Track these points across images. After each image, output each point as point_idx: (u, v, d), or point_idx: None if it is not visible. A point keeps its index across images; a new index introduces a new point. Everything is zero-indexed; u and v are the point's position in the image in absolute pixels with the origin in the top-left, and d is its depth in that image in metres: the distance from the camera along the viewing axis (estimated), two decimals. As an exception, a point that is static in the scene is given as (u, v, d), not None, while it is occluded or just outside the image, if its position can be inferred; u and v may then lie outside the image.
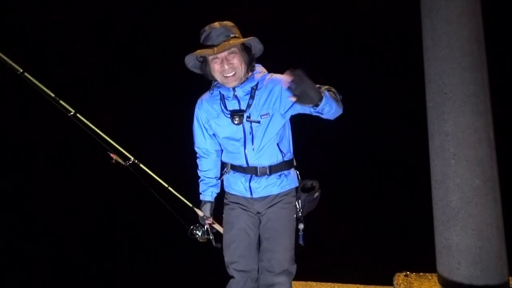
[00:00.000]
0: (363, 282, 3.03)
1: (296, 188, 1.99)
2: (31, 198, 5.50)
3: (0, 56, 1.61)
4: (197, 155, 2.11)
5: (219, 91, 1.88)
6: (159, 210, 2.17)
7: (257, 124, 1.83)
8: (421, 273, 2.88)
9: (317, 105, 1.57)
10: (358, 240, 4.42)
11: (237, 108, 1.84)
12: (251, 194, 1.92)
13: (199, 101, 1.98)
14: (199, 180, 2.12)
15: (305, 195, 1.96)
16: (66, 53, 6.53)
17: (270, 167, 1.89)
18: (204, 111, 1.94)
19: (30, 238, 4.81)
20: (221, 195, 2.10)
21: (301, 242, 1.94)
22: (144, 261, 4.45)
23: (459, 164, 2.39)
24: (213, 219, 2.13)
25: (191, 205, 2.14)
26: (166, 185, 2.15)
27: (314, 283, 3.05)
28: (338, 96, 1.73)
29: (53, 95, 1.71)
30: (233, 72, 1.75)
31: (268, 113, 1.83)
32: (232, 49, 1.73)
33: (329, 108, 1.63)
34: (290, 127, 1.96)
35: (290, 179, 1.95)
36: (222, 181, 2.09)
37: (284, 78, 1.49)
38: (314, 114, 1.78)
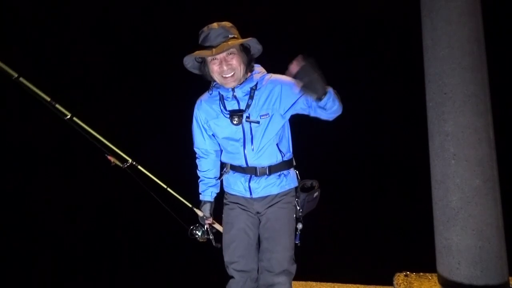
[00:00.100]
0: (363, 282, 3.03)
1: (296, 188, 1.99)
2: (31, 198, 5.51)
3: None
4: (197, 156, 2.11)
5: (218, 92, 1.88)
6: (159, 211, 2.17)
7: (257, 125, 1.83)
8: (421, 273, 2.88)
9: (320, 99, 1.56)
10: (358, 240, 4.42)
11: (237, 108, 1.84)
12: (251, 194, 1.92)
13: (198, 101, 1.98)
14: (199, 181, 2.12)
15: (305, 195, 1.96)
16: (66, 53, 6.53)
17: (270, 167, 1.89)
18: (203, 112, 1.94)
19: (30, 238, 4.81)
20: (221, 195, 2.10)
21: (297, 241, 1.94)
22: (144, 261, 4.45)
23: (459, 164, 2.39)
24: (213, 219, 2.13)
25: (190, 205, 2.14)
26: (165, 186, 2.14)
27: (314, 283, 3.05)
28: (339, 96, 1.73)
29: (48, 99, 1.70)
30: (232, 73, 1.75)
31: (268, 114, 1.83)
32: (231, 49, 1.73)
33: (332, 103, 1.62)
34: (289, 127, 1.96)
35: (290, 179, 1.95)
36: (221, 181, 2.09)
37: (293, 63, 1.47)
38: (313, 114, 1.77)
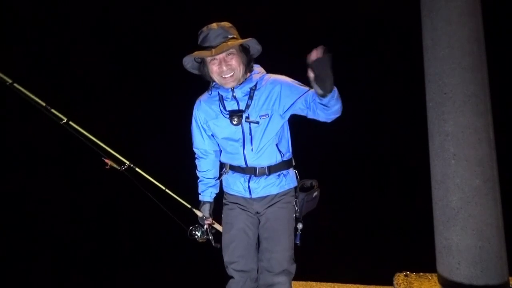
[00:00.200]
0: (363, 282, 3.02)
1: (295, 187, 1.99)
2: (31, 198, 5.51)
3: None
4: (196, 156, 2.11)
5: (218, 92, 1.88)
6: (158, 211, 2.17)
7: (256, 125, 1.83)
8: (421, 273, 2.88)
9: (324, 96, 1.55)
10: (358, 240, 4.42)
11: (236, 108, 1.84)
12: (250, 194, 1.92)
13: (197, 101, 1.98)
14: (198, 181, 2.12)
15: (304, 195, 1.96)
16: (66, 53, 6.53)
17: (269, 167, 1.89)
18: (202, 112, 1.94)
19: (30, 238, 4.81)
20: (220, 195, 2.10)
21: (297, 241, 1.94)
22: (144, 261, 4.45)
23: (459, 164, 2.39)
24: (213, 219, 2.13)
25: (189, 206, 2.13)
26: (164, 188, 2.14)
27: (314, 283, 3.05)
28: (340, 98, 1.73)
29: (44, 104, 1.70)
30: (232, 73, 1.75)
31: (267, 114, 1.82)
32: (230, 50, 1.72)
33: (335, 102, 1.61)
34: (288, 127, 1.96)
35: (289, 179, 1.95)
36: (221, 182, 2.09)
37: (314, 51, 1.45)
38: (310, 116, 1.76)
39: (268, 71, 1.92)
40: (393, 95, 5.51)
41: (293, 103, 1.79)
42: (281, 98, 1.81)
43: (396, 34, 5.71)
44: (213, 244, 2.14)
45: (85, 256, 4.58)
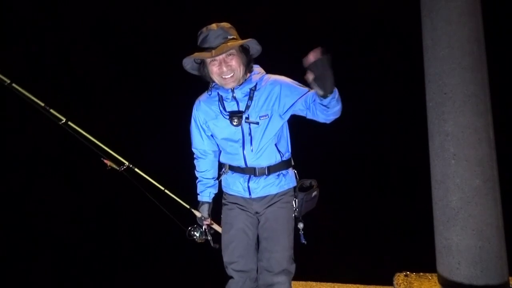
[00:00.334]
0: (363, 282, 3.02)
1: (294, 187, 1.99)
2: (31, 198, 5.51)
3: None
4: (195, 156, 2.10)
5: (218, 92, 1.87)
6: (158, 211, 2.17)
7: (256, 125, 1.83)
8: (421, 273, 2.88)
9: (326, 96, 1.54)
10: (358, 240, 4.42)
11: (236, 109, 1.84)
12: (250, 194, 1.92)
13: (196, 102, 1.98)
14: (197, 181, 2.11)
15: (303, 194, 1.96)
16: (66, 53, 6.53)
17: (269, 167, 1.89)
18: (202, 112, 1.94)
19: (30, 239, 4.81)
20: (219, 195, 2.10)
21: (303, 241, 1.94)
22: (144, 261, 4.45)
23: (459, 164, 2.39)
24: (211, 219, 2.13)
25: (188, 206, 2.13)
26: (163, 188, 2.14)
27: (314, 283, 3.05)
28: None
29: (43, 105, 1.70)
30: (232, 74, 1.75)
31: (267, 115, 1.82)
32: (230, 51, 1.72)
33: (335, 103, 1.61)
34: (288, 127, 1.96)
35: (289, 179, 1.95)
36: (220, 182, 2.09)
37: (311, 53, 1.44)
38: (309, 116, 1.76)
39: (268, 71, 1.92)
40: (393, 95, 5.51)
41: (293, 103, 1.79)
42: (281, 99, 1.81)
43: (396, 34, 5.71)
44: (212, 244, 2.14)
45: (85, 256, 4.58)
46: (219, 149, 2.03)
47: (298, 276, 1.99)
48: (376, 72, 5.85)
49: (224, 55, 1.72)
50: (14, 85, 1.62)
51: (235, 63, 1.74)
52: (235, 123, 1.82)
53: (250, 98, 1.82)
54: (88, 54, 6.58)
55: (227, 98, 1.85)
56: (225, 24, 1.78)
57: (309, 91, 1.75)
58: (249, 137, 1.84)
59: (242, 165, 1.90)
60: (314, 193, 2.02)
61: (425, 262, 2.77)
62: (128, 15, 6.63)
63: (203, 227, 2.13)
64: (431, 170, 2.58)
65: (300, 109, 1.79)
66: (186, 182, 2.21)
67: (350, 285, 3.02)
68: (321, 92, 1.52)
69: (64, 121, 1.80)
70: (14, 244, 4.72)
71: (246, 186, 1.91)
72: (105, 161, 1.98)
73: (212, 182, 2.08)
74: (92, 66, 6.51)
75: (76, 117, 1.84)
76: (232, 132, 1.86)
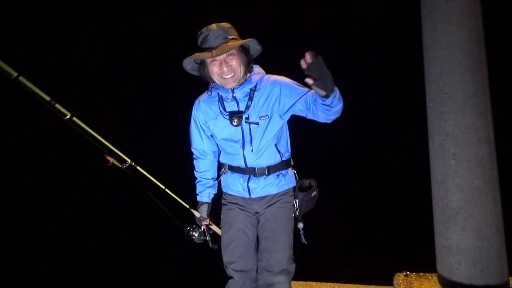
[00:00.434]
0: (363, 282, 3.02)
1: (294, 187, 1.99)
2: (31, 198, 5.51)
3: None
4: (194, 156, 2.10)
5: (218, 93, 1.87)
6: (158, 211, 2.17)
7: (256, 126, 1.83)
8: (421, 273, 2.87)
9: (328, 96, 1.54)
10: (358, 240, 4.42)
11: (236, 109, 1.84)
12: (249, 194, 1.92)
13: (196, 102, 1.98)
14: (196, 181, 2.11)
15: (303, 194, 1.96)
16: (66, 53, 6.53)
17: (269, 167, 1.89)
18: (202, 112, 1.94)
19: (30, 238, 4.81)
20: (218, 195, 2.10)
21: (303, 241, 1.94)
22: (144, 261, 4.45)
23: (459, 164, 2.38)
24: (210, 220, 2.13)
25: (188, 206, 2.13)
26: (163, 187, 2.14)
27: (314, 283, 3.05)
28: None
29: (48, 99, 1.69)
30: (232, 74, 1.75)
31: (267, 115, 1.82)
32: (231, 51, 1.72)
33: (337, 102, 1.60)
34: (287, 127, 1.96)
35: (288, 179, 1.95)
36: (219, 182, 2.09)
37: (307, 56, 1.44)
38: (309, 116, 1.76)
39: (268, 71, 1.92)
40: (393, 95, 5.51)
41: (293, 104, 1.79)
42: (281, 99, 1.81)
43: (396, 34, 5.71)
44: (210, 245, 2.14)
45: (85, 256, 4.58)
46: (218, 149, 2.03)
47: (298, 276, 1.99)
48: (376, 72, 5.86)
49: (224, 55, 1.72)
50: (21, 78, 1.61)
51: (235, 63, 1.74)
52: (235, 123, 1.81)
53: (250, 98, 1.82)
54: (88, 54, 6.58)
55: (227, 98, 1.85)
56: (225, 24, 1.77)
57: (309, 91, 1.75)
58: (249, 137, 1.84)
59: (242, 165, 1.90)
60: (314, 193, 2.02)
61: (425, 262, 2.77)
62: (128, 15, 6.63)
63: (202, 228, 2.13)
64: (431, 170, 2.58)
65: (300, 110, 1.79)
66: (186, 182, 2.21)
67: (350, 285, 3.02)
68: (323, 93, 1.52)
69: (69, 116, 1.80)
70: (14, 244, 4.72)
71: (246, 186, 1.91)
72: (108, 158, 1.98)
73: (211, 182, 2.08)
74: (92, 66, 6.51)
75: (78, 116, 1.84)
76: (232, 132, 1.86)
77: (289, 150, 1.98)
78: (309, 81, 1.47)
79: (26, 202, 5.43)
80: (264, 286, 1.83)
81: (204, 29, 1.76)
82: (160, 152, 5.51)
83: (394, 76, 5.70)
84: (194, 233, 2.14)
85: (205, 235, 2.13)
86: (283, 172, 1.93)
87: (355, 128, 5.11)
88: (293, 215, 1.95)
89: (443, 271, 2.49)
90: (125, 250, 4.69)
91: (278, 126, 1.86)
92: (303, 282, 3.06)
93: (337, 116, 1.73)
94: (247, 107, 1.82)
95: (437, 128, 2.48)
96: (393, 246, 4.03)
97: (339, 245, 4.32)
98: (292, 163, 2.01)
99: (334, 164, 5.35)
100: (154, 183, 2.11)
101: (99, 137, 1.88)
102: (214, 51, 1.68)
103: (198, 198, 2.10)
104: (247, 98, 1.83)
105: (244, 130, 1.84)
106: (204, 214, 2.09)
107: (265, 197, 1.92)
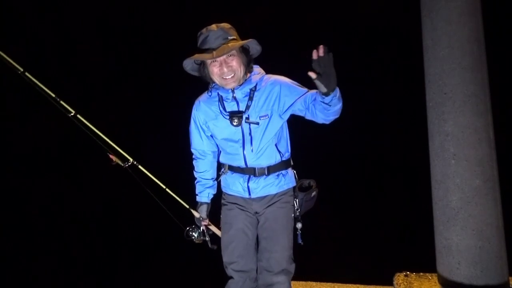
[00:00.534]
0: (363, 282, 3.02)
1: (294, 187, 1.99)
2: (31, 198, 5.50)
3: (0, 55, 1.60)
4: (194, 157, 2.10)
5: (218, 93, 1.88)
6: (159, 210, 2.17)
7: (256, 126, 1.83)
8: (421, 273, 2.88)
9: (328, 94, 1.54)
10: (358, 240, 4.41)
11: (236, 109, 1.84)
12: (249, 194, 1.92)
13: (196, 102, 1.98)
14: (196, 182, 2.12)
15: (303, 194, 1.97)
16: (66, 53, 6.53)
17: (269, 167, 1.89)
18: (202, 113, 1.94)
19: (30, 238, 4.81)
20: (218, 196, 2.10)
21: (300, 241, 1.94)
22: (144, 261, 4.45)
23: (459, 164, 2.39)
24: (209, 220, 2.13)
25: (187, 206, 2.14)
26: (164, 187, 2.15)
27: (314, 283, 3.05)
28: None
29: (53, 95, 1.70)
30: (232, 74, 1.75)
31: (267, 115, 1.83)
32: (231, 51, 1.72)
33: (337, 101, 1.61)
34: (287, 127, 1.96)
35: (288, 179, 1.96)
36: (219, 182, 2.09)
37: (317, 50, 1.45)
38: (308, 116, 1.76)
39: (268, 71, 1.92)
40: (393, 95, 5.51)
41: (292, 103, 1.79)
42: (281, 98, 1.81)
43: (396, 34, 5.70)
44: (209, 246, 2.14)
45: (85, 256, 4.58)
46: (218, 149, 2.03)
47: (298, 276, 1.99)
48: (376, 72, 5.85)
49: (225, 56, 1.72)
50: (27, 74, 1.62)
51: (235, 64, 1.74)
52: (235, 123, 1.82)
53: (250, 98, 1.82)
54: (88, 54, 6.58)
55: (227, 99, 1.85)
56: (225, 25, 1.78)
57: (308, 91, 1.75)
58: (249, 137, 1.85)
59: (242, 165, 1.90)
60: (314, 193, 2.02)
61: (425, 262, 2.77)
62: (128, 15, 6.63)
63: (201, 228, 2.13)
64: (431, 170, 2.58)
65: (299, 109, 1.79)
66: (186, 182, 2.21)
67: (350, 285, 3.02)
68: (324, 90, 1.52)
69: (73, 113, 1.80)
70: (14, 244, 4.72)
71: (246, 186, 1.91)
72: (111, 156, 1.98)
73: (211, 182, 2.09)
74: (92, 66, 6.51)
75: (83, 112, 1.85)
76: (232, 132, 1.86)
77: (289, 150, 1.98)
78: (312, 74, 1.47)
79: (26, 202, 5.43)
80: (264, 286, 1.83)
81: (204, 30, 1.76)
82: (160, 152, 5.50)
83: (394, 76, 5.69)
84: (193, 233, 2.14)
85: (204, 236, 2.13)
86: (283, 172, 1.93)
87: (355, 128, 5.11)
88: (293, 215, 1.95)
89: (443, 271, 2.49)
90: (125, 250, 4.69)
91: (278, 125, 1.86)
92: (303, 282, 3.06)
93: (336, 117, 1.73)
94: (247, 107, 1.82)
95: (437, 128, 2.48)
96: (393, 246, 4.03)
97: (339, 245, 4.32)
98: (292, 163, 2.02)
99: (334, 164, 5.35)
100: (155, 182, 2.11)
101: (102, 135, 1.89)
102: (214, 52, 1.68)
103: (198, 199, 2.10)
104: (247, 98, 1.83)
105: (244, 130, 1.84)
106: (204, 215, 2.09)
107: (265, 197, 1.92)
